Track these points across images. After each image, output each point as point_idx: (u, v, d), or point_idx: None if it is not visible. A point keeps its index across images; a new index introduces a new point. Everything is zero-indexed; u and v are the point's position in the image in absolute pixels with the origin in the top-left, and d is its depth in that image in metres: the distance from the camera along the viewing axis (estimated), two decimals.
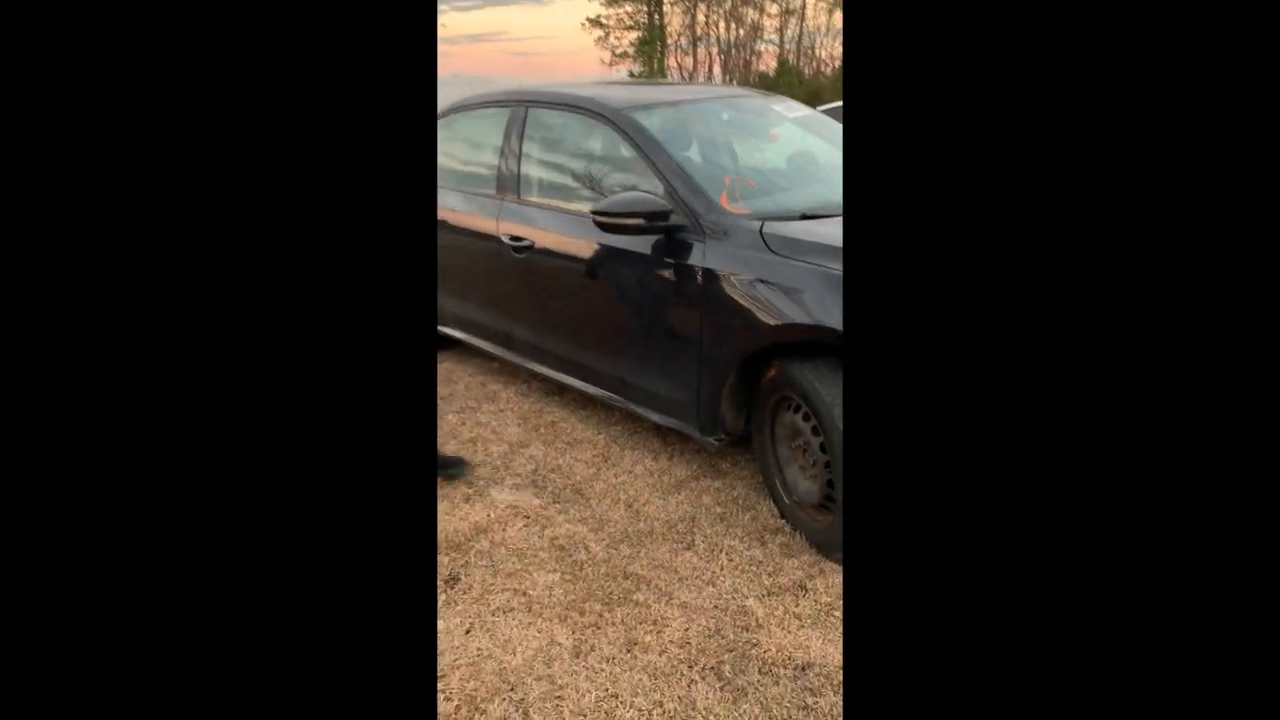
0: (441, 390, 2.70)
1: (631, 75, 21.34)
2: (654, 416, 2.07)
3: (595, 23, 22.45)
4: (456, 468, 2.12)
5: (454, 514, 1.91)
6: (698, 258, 1.84)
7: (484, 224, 2.48)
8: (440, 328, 2.87)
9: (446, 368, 2.90)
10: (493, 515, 1.90)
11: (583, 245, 2.14)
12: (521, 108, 2.49)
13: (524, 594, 1.60)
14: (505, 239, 2.36)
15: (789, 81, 19.06)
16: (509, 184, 2.45)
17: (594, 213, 1.91)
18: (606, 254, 2.06)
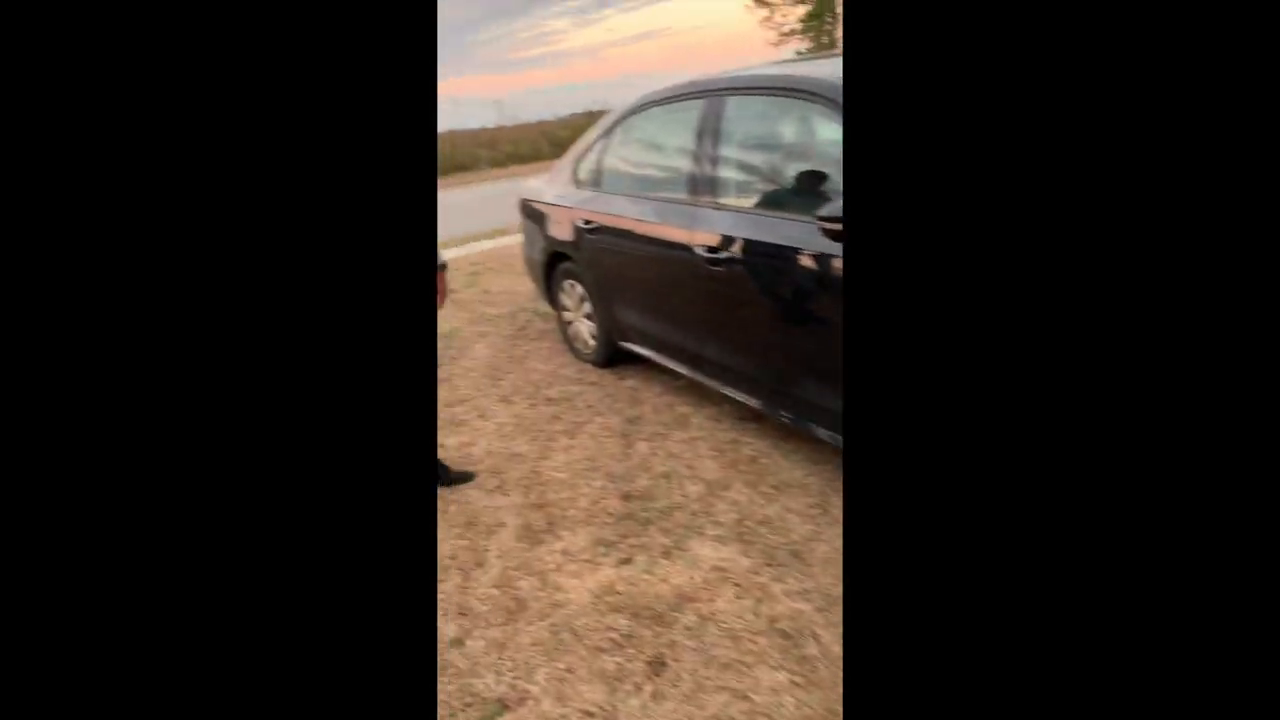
0: (628, 411, 2.50)
1: (799, 54, 20.16)
2: None
3: (760, 1, 21.52)
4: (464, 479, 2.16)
5: (653, 573, 1.66)
6: None
7: (673, 233, 2.20)
8: (624, 343, 2.67)
9: (631, 386, 2.70)
10: (698, 578, 1.62)
11: (801, 256, 1.77)
12: (716, 98, 2.17)
13: (746, 698, 1.29)
14: (699, 249, 2.07)
15: None
16: (703, 186, 2.15)
17: (822, 218, 1.54)
18: (833, 267, 1.67)
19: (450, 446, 2.37)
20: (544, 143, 17.24)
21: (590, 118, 21.26)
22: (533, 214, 3.10)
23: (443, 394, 2.84)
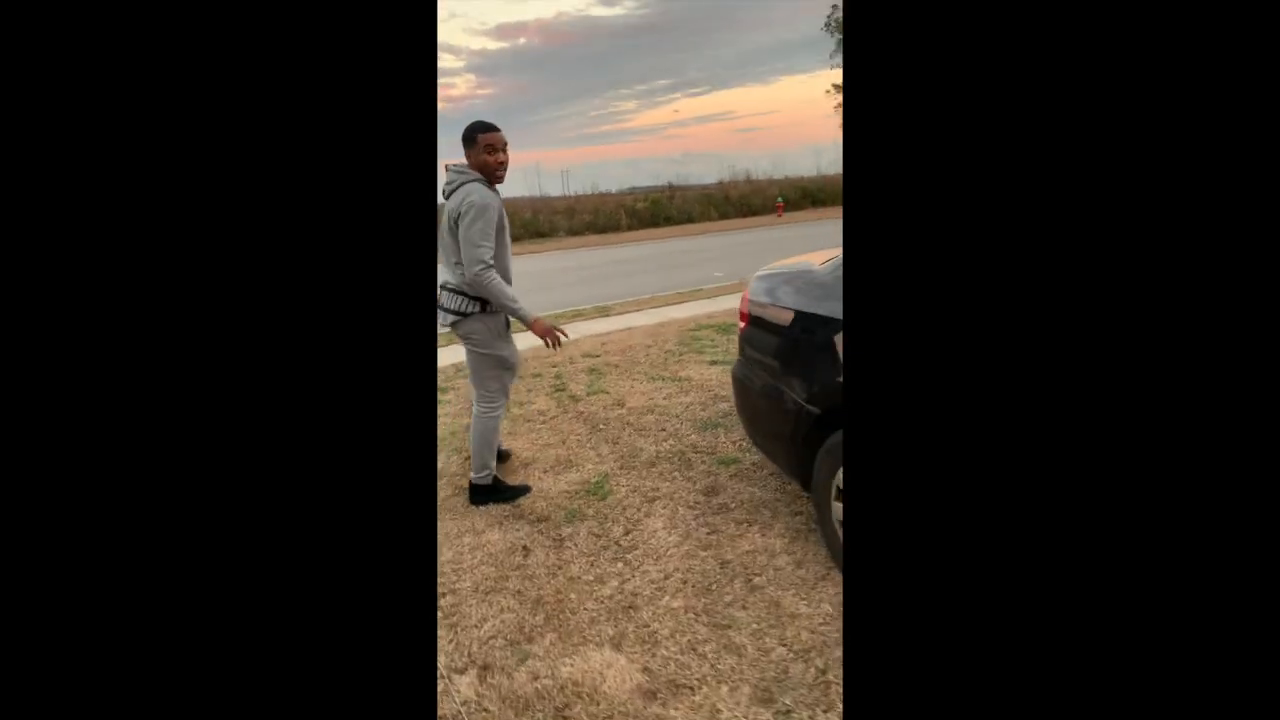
0: None
1: None
2: None
3: (839, 87, 20.96)
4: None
5: None
6: None
7: None
8: None
9: None
10: None
11: None
12: None
13: None
14: None
15: None
16: None
17: None
18: None
19: None
20: (622, 214, 16.49)
21: (672, 190, 20.61)
22: (783, 335, 1.80)
23: (637, 654, 1.49)
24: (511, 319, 2.09)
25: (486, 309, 2.02)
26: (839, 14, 20.35)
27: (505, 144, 2.00)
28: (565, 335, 2.04)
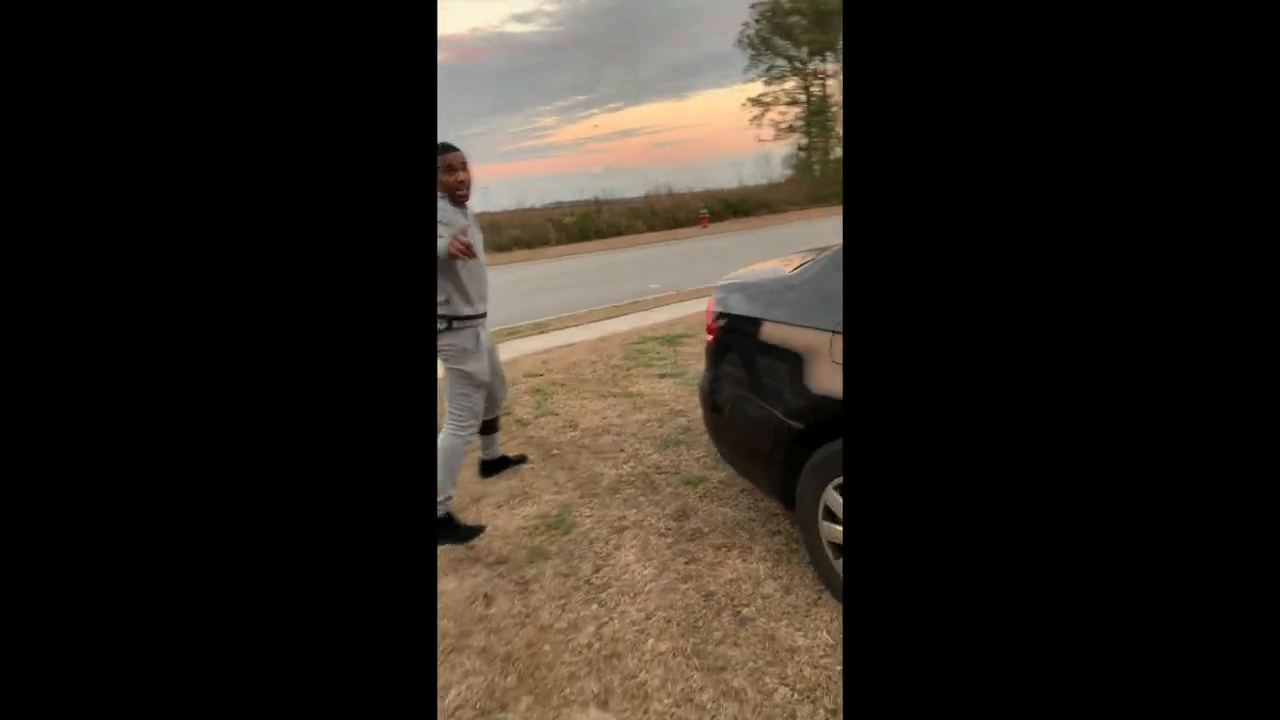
0: None
1: (800, 149, 20.00)
2: None
3: (756, 101, 21.65)
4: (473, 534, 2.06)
5: None
6: None
7: None
8: None
9: None
10: None
11: None
12: None
13: None
14: None
15: None
16: None
17: None
18: None
19: None
20: (550, 229, 16.27)
21: (599, 205, 20.51)
22: (758, 347, 1.70)
23: (627, 711, 1.32)
24: (482, 335, 2.11)
25: (453, 325, 2.00)
26: (750, 30, 21.07)
27: (465, 163, 2.05)
28: (470, 249, 1.81)
